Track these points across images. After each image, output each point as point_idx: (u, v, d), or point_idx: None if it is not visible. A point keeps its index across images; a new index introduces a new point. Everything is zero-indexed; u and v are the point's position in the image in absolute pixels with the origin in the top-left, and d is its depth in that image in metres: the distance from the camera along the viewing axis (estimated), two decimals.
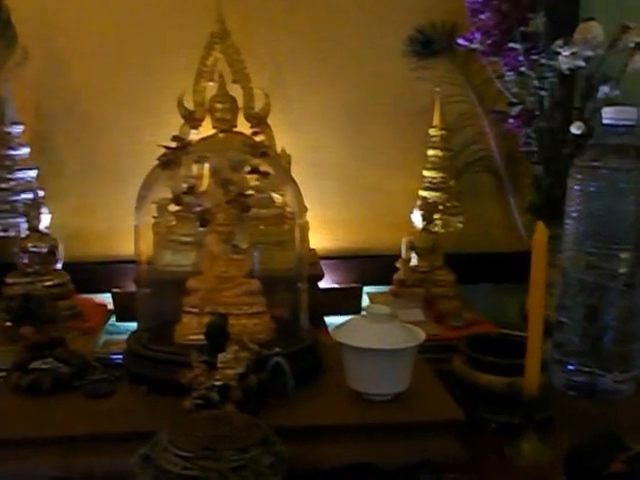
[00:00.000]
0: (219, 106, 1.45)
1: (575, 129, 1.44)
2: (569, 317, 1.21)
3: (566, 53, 1.42)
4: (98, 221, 1.70)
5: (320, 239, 1.71)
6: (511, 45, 1.50)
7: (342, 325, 1.16)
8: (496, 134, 1.72)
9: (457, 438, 1.06)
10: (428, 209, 1.62)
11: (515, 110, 1.54)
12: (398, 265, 1.64)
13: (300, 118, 1.70)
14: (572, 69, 1.44)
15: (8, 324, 1.37)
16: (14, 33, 1.56)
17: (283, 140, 1.53)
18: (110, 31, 1.64)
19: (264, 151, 1.29)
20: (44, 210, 1.58)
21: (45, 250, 1.54)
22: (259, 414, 1.00)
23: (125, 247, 1.61)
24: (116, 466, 0.96)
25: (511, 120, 1.55)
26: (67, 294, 1.55)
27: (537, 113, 1.52)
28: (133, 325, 1.30)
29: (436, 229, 1.64)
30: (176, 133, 1.38)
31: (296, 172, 1.42)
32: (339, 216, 1.75)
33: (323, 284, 1.61)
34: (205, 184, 1.34)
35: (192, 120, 1.49)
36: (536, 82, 1.51)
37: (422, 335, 1.12)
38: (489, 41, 1.53)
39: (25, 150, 1.58)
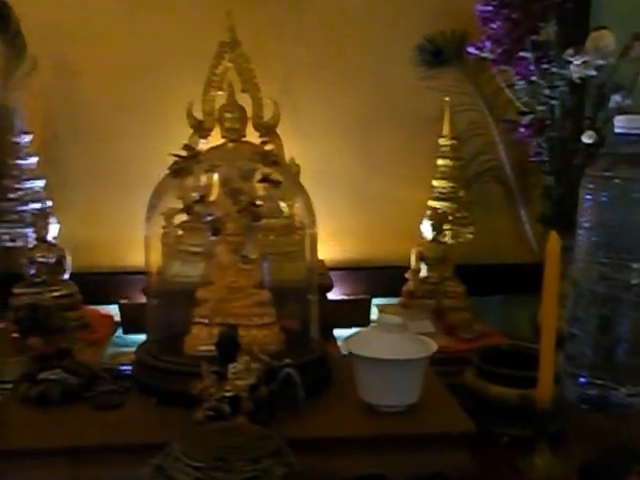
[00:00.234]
0: (228, 115, 1.44)
1: (587, 138, 1.44)
2: (581, 329, 1.19)
3: (577, 62, 1.42)
4: (106, 231, 1.70)
5: (328, 250, 1.70)
6: (522, 54, 1.50)
7: (353, 336, 1.16)
8: (506, 144, 1.72)
9: (469, 451, 1.05)
10: (438, 219, 1.61)
11: (526, 119, 1.54)
12: (407, 276, 1.64)
13: (309, 128, 1.70)
14: (583, 78, 1.44)
15: (16, 335, 1.37)
16: (23, 43, 1.56)
17: (292, 150, 1.52)
18: (118, 40, 1.65)
19: (275, 159, 1.29)
20: (52, 220, 1.57)
21: (53, 260, 1.54)
22: (270, 425, 0.99)
23: (132, 257, 1.61)
24: (125, 478, 0.96)
25: (522, 129, 1.55)
26: (75, 305, 1.55)
27: (548, 122, 1.52)
28: (140, 338, 1.29)
29: (446, 240, 1.63)
30: (185, 142, 1.37)
31: (304, 182, 1.41)
32: (348, 226, 1.75)
33: (331, 295, 1.60)
34: (215, 194, 1.34)
35: (201, 130, 1.47)
36: (547, 91, 1.50)
37: (434, 346, 1.12)
38: (500, 50, 1.53)
39: (33, 160, 1.58)
